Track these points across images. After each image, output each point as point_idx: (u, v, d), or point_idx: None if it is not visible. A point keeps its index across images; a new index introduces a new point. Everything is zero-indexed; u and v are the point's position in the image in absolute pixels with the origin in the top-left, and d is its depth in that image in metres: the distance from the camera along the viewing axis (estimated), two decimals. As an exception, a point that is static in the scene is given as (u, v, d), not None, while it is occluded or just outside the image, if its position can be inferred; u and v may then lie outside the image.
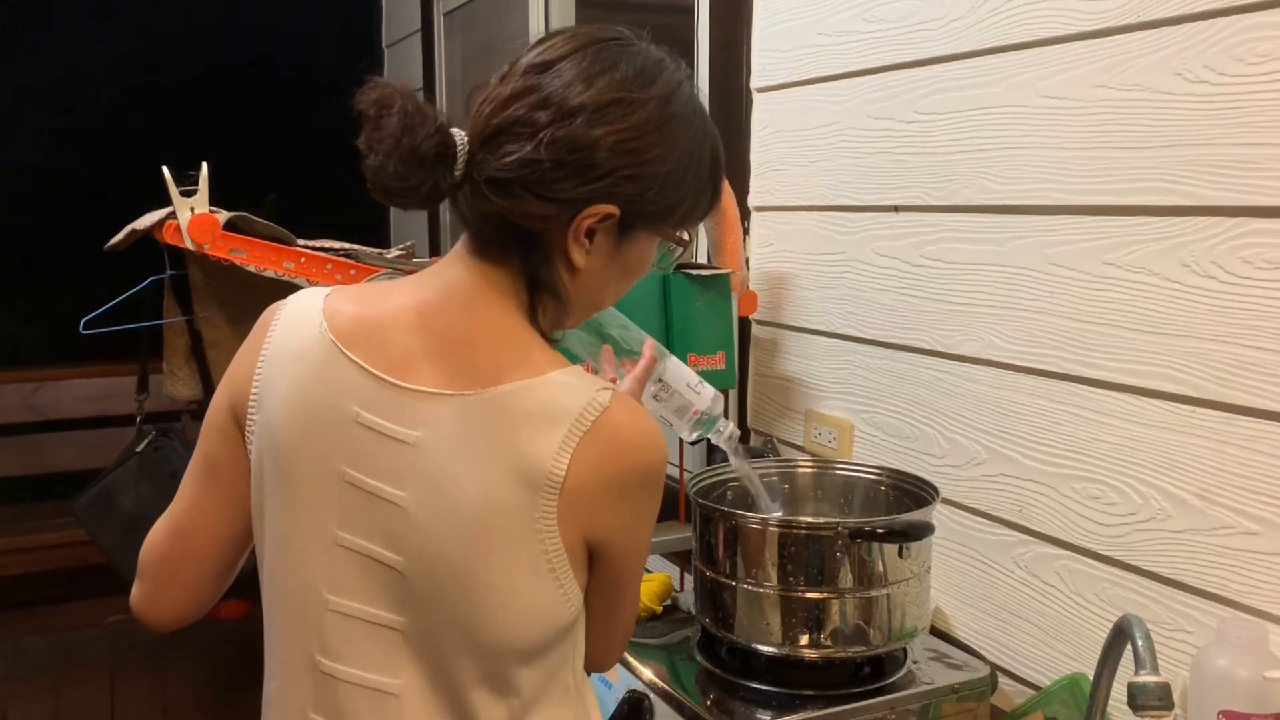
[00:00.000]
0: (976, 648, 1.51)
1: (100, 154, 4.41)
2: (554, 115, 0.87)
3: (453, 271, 0.94)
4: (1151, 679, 1.01)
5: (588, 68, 0.90)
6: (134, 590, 1.03)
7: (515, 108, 0.89)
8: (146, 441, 2.55)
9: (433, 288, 0.94)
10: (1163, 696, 1.00)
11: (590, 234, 0.91)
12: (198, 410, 2.74)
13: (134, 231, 2.22)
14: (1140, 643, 1.04)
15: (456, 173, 0.88)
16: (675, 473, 1.86)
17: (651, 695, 1.31)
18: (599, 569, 0.95)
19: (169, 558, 1.01)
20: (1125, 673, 1.13)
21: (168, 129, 4.28)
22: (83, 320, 2.32)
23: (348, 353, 0.91)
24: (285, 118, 4.72)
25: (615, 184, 0.89)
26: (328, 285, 2.02)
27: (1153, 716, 1.01)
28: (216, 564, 1.03)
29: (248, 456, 0.97)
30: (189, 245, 1.73)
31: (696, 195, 0.97)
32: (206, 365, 2.58)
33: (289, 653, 0.96)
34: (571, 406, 0.88)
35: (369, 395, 0.90)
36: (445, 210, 3.83)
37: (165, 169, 1.69)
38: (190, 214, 1.69)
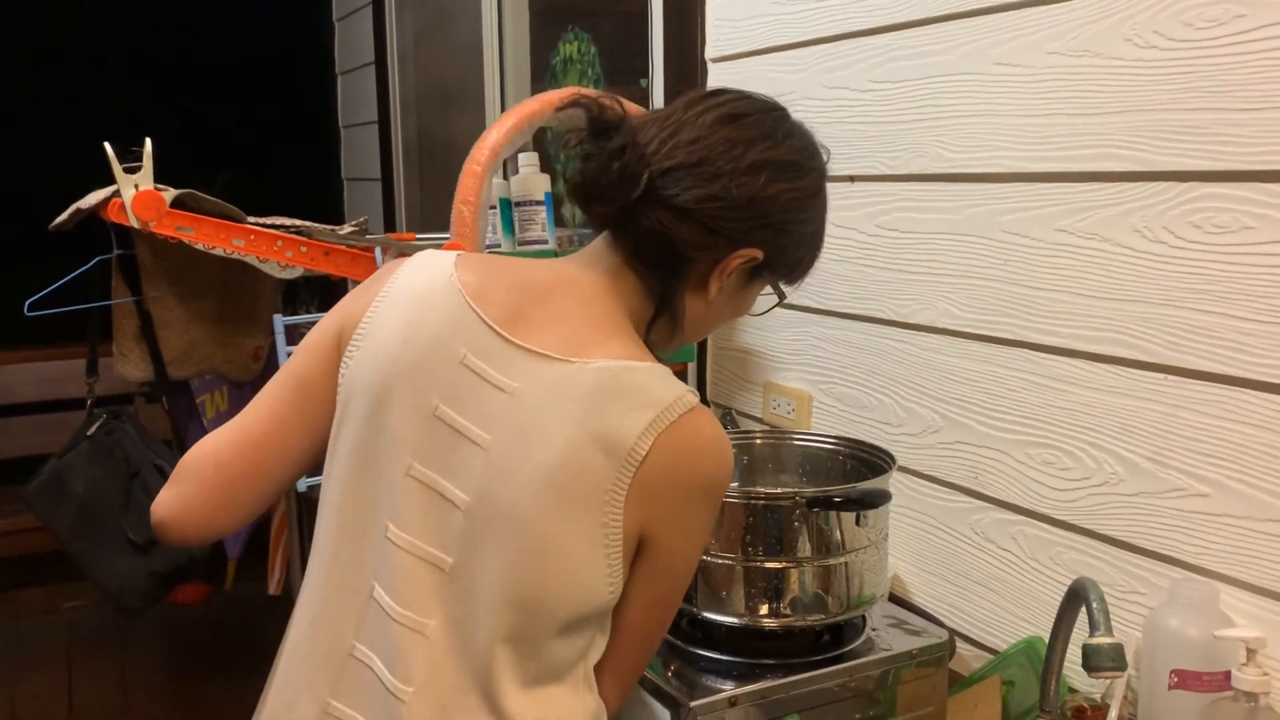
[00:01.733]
0: (934, 614, 1.52)
1: (42, 134, 4.31)
2: (742, 166, 0.98)
3: (589, 268, 1.02)
4: (1105, 640, 1.02)
5: (772, 129, 1.01)
6: (164, 496, 1.01)
7: (705, 147, 0.98)
8: (98, 425, 2.50)
9: (564, 274, 1.02)
10: (1116, 657, 1.02)
11: (729, 273, 1.01)
12: (149, 393, 2.69)
13: (79, 210, 2.17)
14: (1094, 605, 1.05)
15: (636, 192, 0.96)
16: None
17: (612, 668, 1.31)
18: (644, 569, 0.97)
19: (227, 463, 1.02)
20: (1081, 634, 1.15)
21: (113, 107, 4.19)
22: (27, 302, 2.27)
23: (470, 301, 0.97)
24: (236, 95, 4.64)
25: (774, 234, 1.01)
26: (279, 262, 2.02)
27: (1106, 677, 1.02)
28: (272, 481, 1.03)
29: (338, 382, 1.01)
30: (134, 223, 1.69)
31: (811, 260, 1.11)
32: (157, 346, 2.53)
33: (343, 576, 0.98)
34: (664, 396, 0.93)
35: (479, 342, 0.96)
36: (401, 190, 3.79)
37: (107, 145, 1.65)
38: (134, 191, 1.65)
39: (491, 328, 0.97)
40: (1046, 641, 1.37)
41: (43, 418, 3.71)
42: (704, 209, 0.96)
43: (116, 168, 1.64)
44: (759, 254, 1.01)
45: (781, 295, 1.12)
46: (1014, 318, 1.40)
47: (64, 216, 2.18)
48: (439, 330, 0.97)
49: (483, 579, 0.93)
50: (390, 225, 3.76)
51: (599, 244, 1.03)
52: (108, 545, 2.46)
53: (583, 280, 1.01)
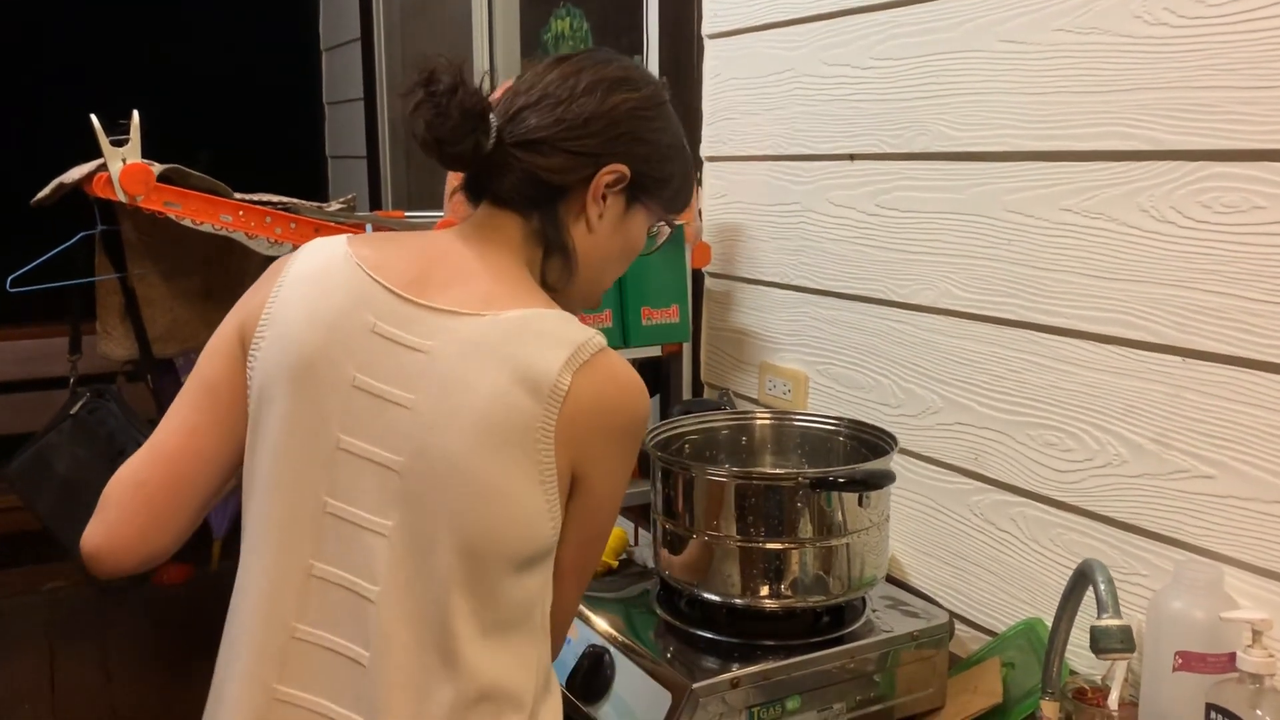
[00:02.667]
0: (933, 595, 1.51)
1: (21, 106, 4.24)
2: (579, 89, 1.04)
3: (478, 228, 1.05)
4: (1113, 622, 1.02)
5: (600, 59, 1.08)
6: (91, 527, 1.00)
7: (541, 87, 1.04)
8: (81, 404, 2.46)
9: (457, 238, 1.05)
10: (1124, 639, 1.01)
11: (604, 197, 1.05)
12: (133, 371, 2.65)
13: (62, 185, 2.13)
14: (1102, 586, 1.04)
15: (490, 140, 1.01)
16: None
17: (611, 650, 1.29)
18: (576, 509, 0.99)
19: (146, 483, 1.01)
20: (1084, 617, 1.14)
21: (93, 81, 4.12)
22: (9, 279, 2.23)
23: (370, 273, 0.99)
24: (218, 72, 4.57)
25: (630, 145, 1.05)
26: (269, 239, 1.99)
27: (1115, 658, 1.01)
28: (196, 492, 1.03)
29: (247, 379, 1.01)
30: (121, 198, 1.66)
31: (684, 178, 1.14)
32: (141, 323, 2.49)
33: (278, 560, 0.98)
34: (576, 336, 0.97)
35: (386, 309, 0.98)
36: (387, 167, 3.76)
37: (94, 117, 1.61)
38: (122, 165, 1.61)
39: (396, 294, 0.99)
40: (1046, 624, 1.37)
41: (25, 396, 3.65)
42: (554, 134, 1.02)
43: (104, 140, 1.61)
44: (624, 169, 1.05)
45: (668, 224, 1.17)
46: (1017, 298, 1.39)
47: (46, 191, 2.14)
48: (343, 305, 0.99)
49: (429, 532, 0.94)
50: (376, 203, 3.72)
51: (480, 208, 1.07)
52: (92, 525, 2.43)
53: (476, 240, 1.04)
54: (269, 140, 4.43)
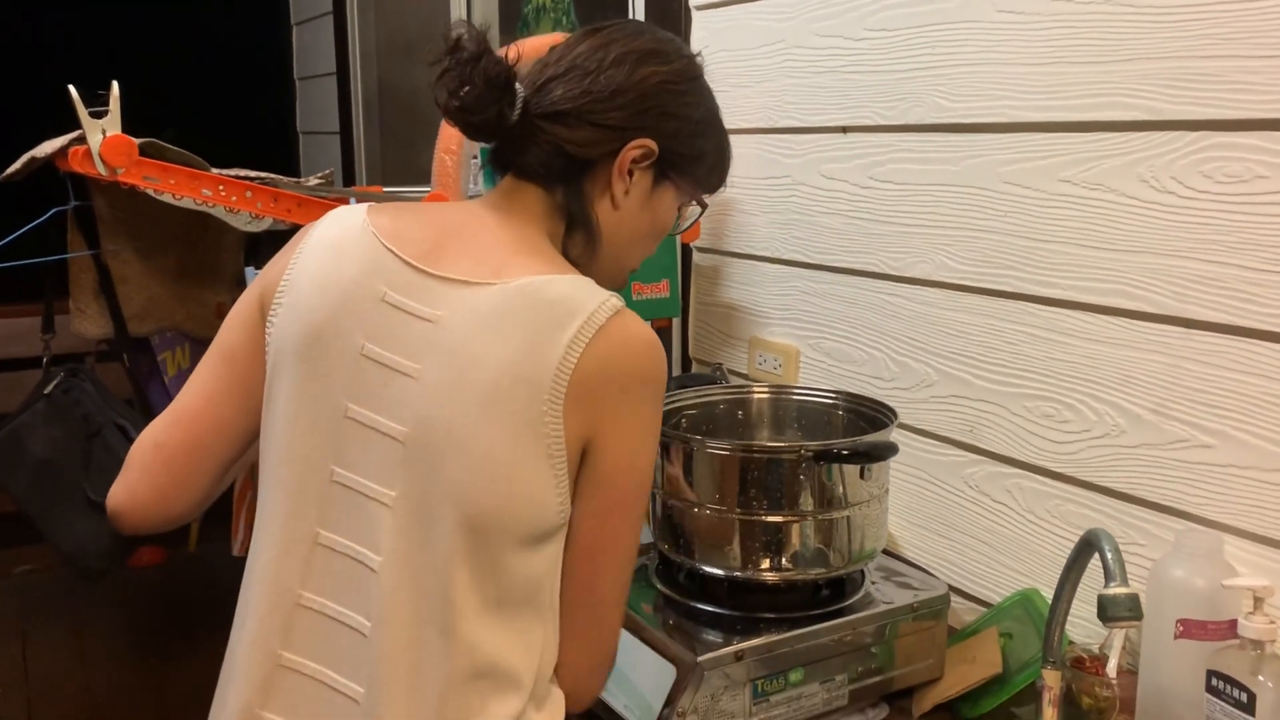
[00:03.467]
0: (928, 568, 1.52)
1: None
2: (605, 61, 1.02)
3: (500, 199, 1.04)
4: (1121, 590, 1.02)
5: (631, 30, 1.06)
6: (115, 486, 1.04)
7: (570, 59, 1.03)
8: (55, 383, 2.40)
9: (477, 210, 1.04)
10: (1133, 607, 1.01)
11: (631, 173, 1.03)
12: (106, 350, 2.61)
13: (33, 160, 2.08)
14: (1109, 555, 1.05)
15: (516, 111, 0.99)
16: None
17: (611, 625, 1.28)
18: (589, 477, 0.96)
19: (165, 445, 1.04)
20: (1086, 588, 1.15)
21: (56, 56, 4.03)
22: (-25, 256, 2.17)
23: (384, 241, 0.98)
24: (184, 46, 4.48)
25: (658, 119, 1.03)
26: (250, 213, 1.95)
27: (1123, 626, 1.02)
28: (215, 457, 1.05)
29: (265, 347, 1.02)
30: (101, 171, 1.62)
31: (717, 156, 1.12)
32: (116, 301, 2.44)
33: (286, 527, 0.98)
34: (588, 303, 0.94)
35: (398, 279, 0.97)
36: (360, 143, 3.70)
37: (72, 88, 1.57)
38: (102, 136, 1.57)
39: (409, 264, 0.97)
40: (1043, 594, 1.38)
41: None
42: (581, 106, 1.00)
43: (82, 112, 1.57)
44: (651, 143, 1.03)
45: (703, 204, 1.15)
46: (1014, 270, 1.38)
47: (17, 166, 2.09)
48: (356, 274, 0.98)
49: (432, 504, 0.93)
50: (350, 179, 3.67)
51: (504, 180, 1.06)
52: (67, 507, 2.38)
53: (496, 211, 1.03)
54: (238, 116, 4.35)
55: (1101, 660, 1.24)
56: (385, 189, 2.20)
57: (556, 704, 1.01)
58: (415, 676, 0.93)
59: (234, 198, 1.82)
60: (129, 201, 2.28)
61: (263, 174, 2.11)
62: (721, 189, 1.17)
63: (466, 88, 0.97)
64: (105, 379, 2.55)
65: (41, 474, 2.40)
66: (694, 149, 1.08)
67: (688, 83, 1.06)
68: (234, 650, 1.01)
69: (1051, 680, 1.18)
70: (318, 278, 1.00)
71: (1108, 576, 1.03)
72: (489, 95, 0.98)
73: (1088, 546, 1.11)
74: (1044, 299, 1.35)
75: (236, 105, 4.42)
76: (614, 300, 0.96)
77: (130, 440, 2.30)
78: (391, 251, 0.98)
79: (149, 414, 2.43)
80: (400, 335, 0.96)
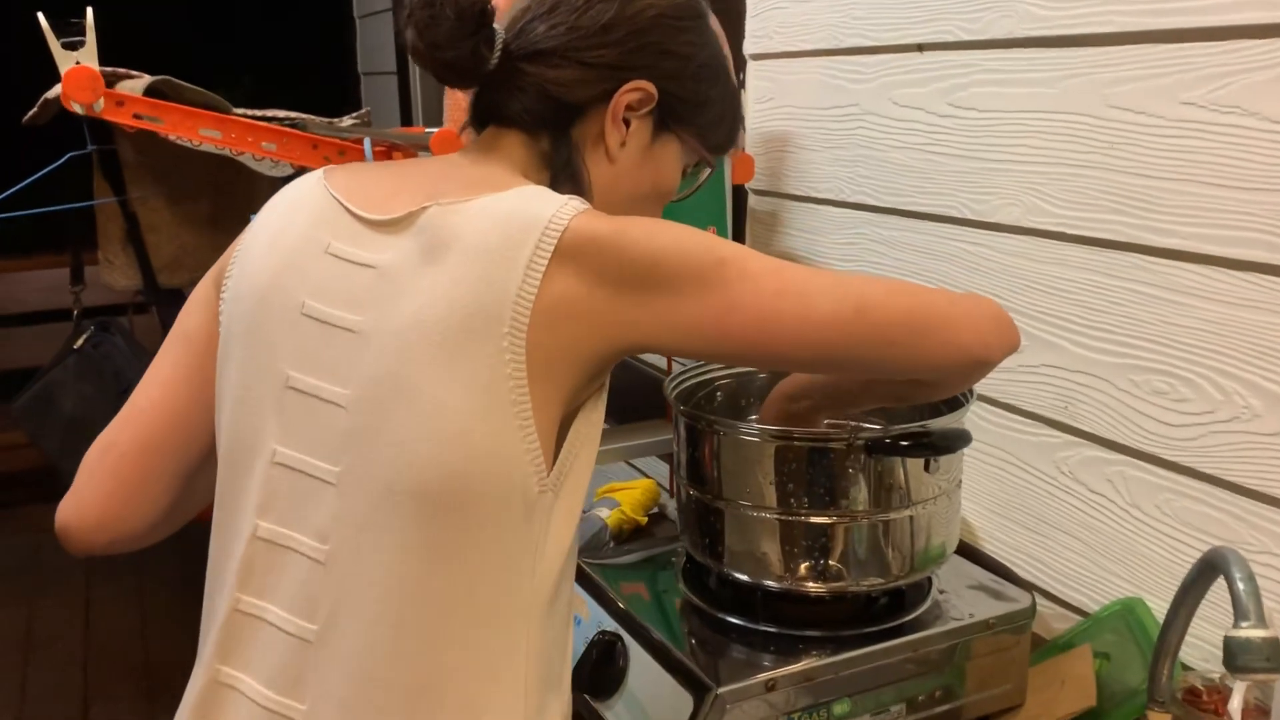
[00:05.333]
0: (1008, 564, 1.30)
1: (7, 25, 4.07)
2: None
3: (478, 149, 0.93)
4: (1257, 633, 0.79)
5: None
6: (64, 499, 0.92)
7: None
8: (85, 337, 2.34)
9: (439, 161, 0.96)
10: (1272, 656, 0.78)
11: (628, 122, 0.91)
12: (141, 302, 2.52)
13: (47, 102, 1.98)
14: (1240, 585, 0.82)
15: (494, 53, 0.88)
16: (662, 364, 1.63)
17: (625, 637, 1.10)
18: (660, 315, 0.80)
19: (115, 444, 0.92)
20: (1209, 609, 0.92)
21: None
22: (-3, 204, 2.07)
23: (337, 195, 0.88)
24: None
25: (656, 58, 0.90)
26: (254, 155, 1.80)
27: (1258, 679, 0.79)
28: (172, 459, 0.93)
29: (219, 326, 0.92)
30: (77, 110, 1.46)
31: (725, 105, 0.98)
32: (145, 251, 2.34)
33: (222, 522, 0.88)
34: (541, 212, 0.80)
35: (345, 229, 0.86)
36: (416, 80, 3.56)
37: (41, 16, 1.41)
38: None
39: (357, 215, 0.86)
40: (1147, 605, 1.16)
41: (33, 329, 3.54)
42: (566, 43, 0.89)
43: (53, 43, 1.41)
44: (648, 86, 0.90)
45: (710, 163, 1.01)
46: (1123, 215, 1.15)
47: (35, 110, 1.99)
48: (304, 229, 0.87)
49: (379, 480, 0.80)
50: (406, 121, 3.53)
51: (486, 131, 0.94)
52: (100, 466, 2.32)
53: (469, 158, 0.92)
54: (303, 58, 4.27)
55: (1222, 694, 1.02)
56: (426, 130, 2.02)
57: (560, 716, 0.86)
58: (366, 691, 0.80)
59: (234, 136, 1.65)
60: (154, 145, 2.16)
61: (293, 115, 1.98)
62: (732, 150, 1.03)
63: (435, 22, 0.86)
64: (142, 332, 2.48)
65: (73, 432, 2.34)
66: (698, 94, 0.94)
67: (690, 20, 0.94)
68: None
69: (1160, 725, 0.96)
70: (266, 240, 0.89)
71: (1238, 613, 0.81)
72: (460, 29, 0.86)
73: (1210, 569, 0.88)
74: (1160, 250, 1.12)
75: (302, 48, 4.33)
76: (576, 201, 0.81)
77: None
78: (342, 205, 0.87)
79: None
80: (342, 287, 0.84)
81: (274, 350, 0.86)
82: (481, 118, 0.94)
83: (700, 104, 0.95)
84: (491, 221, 0.80)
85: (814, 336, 0.80)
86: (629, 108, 0.91)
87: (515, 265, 0.78)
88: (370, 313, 0.82)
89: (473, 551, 0.79)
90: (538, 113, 0.90)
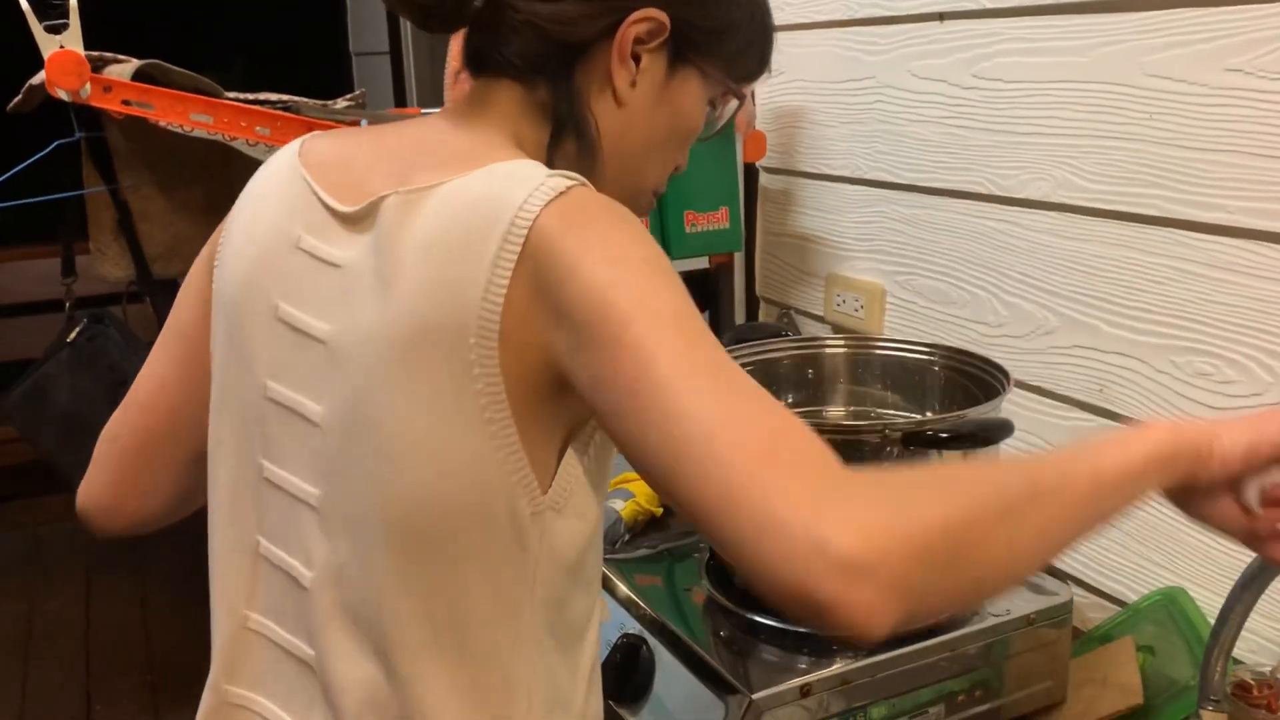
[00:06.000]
0: (1042, 555, 1.26)
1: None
2: None
3: (456, 106, 0.82)
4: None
5: None
6: (81, 483, 0.93)
7: None
8: (78, 330, 2.29)
9: (425, 122, 0.83)
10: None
11: (637, 58, 0.79)
12: (136, 292, 2.46)
13: (32, 89, 1.92)
14: (1311, 584, 0.77)
15: None
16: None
17: (650, 639, 1.05)
18: (586, 366, 0.65)
19: (118, 437, 0.91)
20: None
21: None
22: (-18, 194, 2.02)
23: (308, 176, 0.79)
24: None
25: None
26: (248, 140, 1.75)
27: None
28: (172, 450, 0.90)
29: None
30: (62, 96, 1.41)
31: (752, 27, 0.85)
32: (138, 240, 2.28)
33: (226, 536, 0.83)
34: (514, 195, 0.68)
35: (316, 220, 0.78)
36: (410, 63, 3.50)
37: (21, -4, 1.35)
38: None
39: (320, 198, 0.77)
40: (1189, 595, 1.11)
41: (29, 320, 3.49)
42: None
43: (35, 25, 1.35)
44: (659, 14, 0.77)
45: (739, 95, 0.87)
46: (1162, 188, 1.10)
47: (20, 97, 1.93)
48: (276, 218, 0.80)
49: (355, 504, 0.74)
50: (400, 101, 3.47)
51: (477, 82, 0.82)
52: (97, 462, 2.28)
53: (456, 118, 0.81)
54: (293, 39, 4.21)
55: (1274, 689, 0.98)
56: (423, 111, 1.97)
57: None
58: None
59: (226, 120, 1.59)
60: (144, 132, 2.10)
61: (285, 97, 1.93)
62: (764, 76, 0.89)
63: None
64: (137, 323, 2.43)
65: (68, 426, 2.29)
66: (718, 18, 0.81)
67: None
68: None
69: (1214, 725, 0.92)
70: (244, 230, 0.82)
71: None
72: None
73: (1268, 569, 0.83)
74: (1203, 225, 1.07)
75: (288, 26, 4.27)
76: (554, 181, 0.68)
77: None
78: (312, 189, 0.79)
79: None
80: (310, 289, 0.76)
81: (252, 356, 0.80)
82: (475, 65, 0.82)
83: (721, 29, 0.83)
84: (453, 215, 0.70)
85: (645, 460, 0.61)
86: (638, 41, 0.78)
87: (479, 266, 0.67)
88: (337, 322, 0.75)
89: (458, 583, 0.72)
90: (532, 57, 0.78)
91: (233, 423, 0.82)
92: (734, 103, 0.89)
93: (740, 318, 1.76)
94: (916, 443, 0.94)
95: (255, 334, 0.80)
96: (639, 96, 0.80)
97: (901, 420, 0.97)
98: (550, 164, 0.76)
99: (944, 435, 0.94)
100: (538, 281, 0.66)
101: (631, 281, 0.64)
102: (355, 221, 0.75)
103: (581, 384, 0.65)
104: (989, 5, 1.28)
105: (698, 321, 0.64)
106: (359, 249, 0.74)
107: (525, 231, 0.66)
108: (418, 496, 0.70)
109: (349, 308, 0.74)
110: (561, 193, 0.67)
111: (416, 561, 0.71)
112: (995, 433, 0.95)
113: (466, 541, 0.71)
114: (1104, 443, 0.67)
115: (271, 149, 1.88)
